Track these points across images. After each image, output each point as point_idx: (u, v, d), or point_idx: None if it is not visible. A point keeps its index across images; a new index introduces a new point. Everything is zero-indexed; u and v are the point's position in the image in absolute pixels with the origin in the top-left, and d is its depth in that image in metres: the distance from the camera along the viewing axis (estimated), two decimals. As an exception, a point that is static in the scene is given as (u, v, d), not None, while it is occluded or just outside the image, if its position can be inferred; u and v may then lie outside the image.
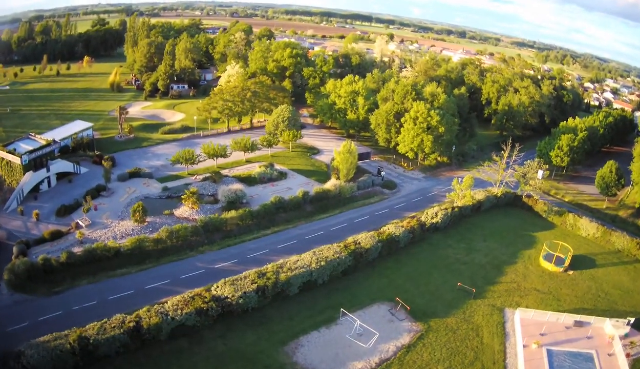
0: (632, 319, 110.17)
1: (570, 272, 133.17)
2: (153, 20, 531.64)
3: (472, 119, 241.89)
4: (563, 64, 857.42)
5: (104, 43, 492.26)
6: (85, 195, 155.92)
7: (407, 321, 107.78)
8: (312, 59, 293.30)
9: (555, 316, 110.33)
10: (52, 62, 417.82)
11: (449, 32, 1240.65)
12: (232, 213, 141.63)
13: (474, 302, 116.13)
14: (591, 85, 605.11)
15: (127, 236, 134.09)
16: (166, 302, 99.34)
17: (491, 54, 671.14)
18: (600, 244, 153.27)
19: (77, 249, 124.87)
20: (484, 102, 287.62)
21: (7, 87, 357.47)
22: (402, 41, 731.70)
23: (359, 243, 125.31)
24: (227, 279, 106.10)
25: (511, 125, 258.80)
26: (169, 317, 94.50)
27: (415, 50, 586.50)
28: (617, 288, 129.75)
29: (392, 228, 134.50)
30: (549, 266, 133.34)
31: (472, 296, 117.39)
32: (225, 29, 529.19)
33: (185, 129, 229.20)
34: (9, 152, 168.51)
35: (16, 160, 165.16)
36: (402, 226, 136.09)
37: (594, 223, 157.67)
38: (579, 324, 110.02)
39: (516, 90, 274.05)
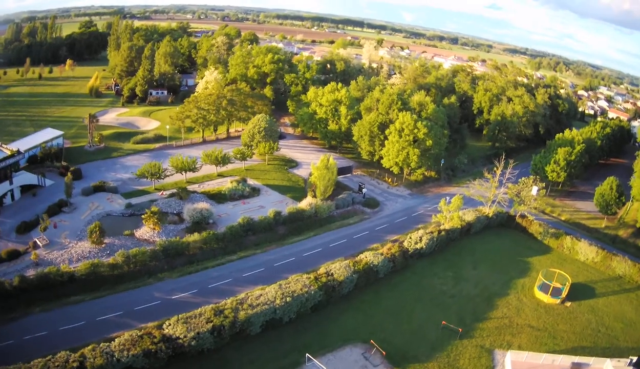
0: (635, 359, 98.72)
1: (568, 304, 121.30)
2: (138, 23, 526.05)
3: (462, 130, 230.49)
4: (556, 71, 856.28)
5: (89, 46, 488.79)
6: (44, 212, 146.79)
7: (383, 367, 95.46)
8: (296, 65, 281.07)
9: (550, 358, 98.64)
10: (36, 65, 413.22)
11: (441, 38, 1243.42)
12: (195, 236, 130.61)
13: (460, 343, 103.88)
14: (585, 93, 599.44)
15: (84, 258, 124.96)
16: (114, 340, 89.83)
17: (483, 61, 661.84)
18: (600, 269, 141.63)
19: (31, 272, 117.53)
20: (475, 112, 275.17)
21: None
22: (392, 47, 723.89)
23: (332, 274, 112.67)
24: (180, 316, 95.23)
25: (504, 136, 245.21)
26: (114, 358, 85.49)
27: (406, 56, 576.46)
28: (618, 320, 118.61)
29: (370, 256, 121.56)
30: (545, 298, 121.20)
31: (459, 336, 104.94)
32: (212, 33, 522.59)
33: (158, 138, 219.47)
34: None
35: None
36: (382, 254, 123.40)
37: (594, 246, 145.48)
38: (577, 366, 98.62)
39: (509, 100, 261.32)
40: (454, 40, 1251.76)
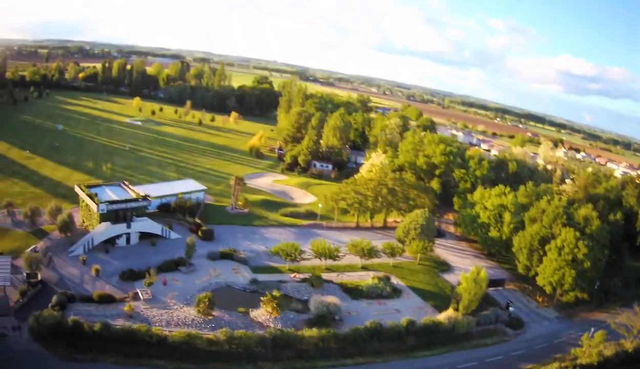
0: None
1: None
2: (314, 89, 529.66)
3: (623, 251, 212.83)
4: None
5: (260, 103, 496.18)
6: (157, 266, 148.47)
7: None
8: (467, 159, 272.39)
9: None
10: (197, 109, 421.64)
11: (615, 143, 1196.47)
12: (313, 332, 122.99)
13: None
14: None
15: (184, 325, 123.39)
16: None
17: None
18: None
19: (120, 322, 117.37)
20: (638, 230, 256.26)
21: (140, 123, 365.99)
22: (569, 148, 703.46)
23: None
24: None
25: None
26: None
27: (581, 160, 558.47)
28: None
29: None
30: None
31: None
32: (393, 110, 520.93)
33: (309, 215, 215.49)
34: (89, 195, 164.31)
35: (93, 206, 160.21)
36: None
37: None
38: None
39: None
40: (627, 145, 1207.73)
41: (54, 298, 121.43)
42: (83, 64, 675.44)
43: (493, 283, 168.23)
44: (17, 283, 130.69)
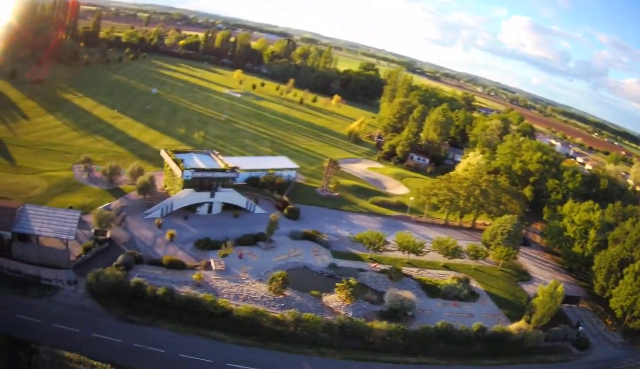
0: None
1: None
2: (420, 82, 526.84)
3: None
4: None
5: (364, 89, 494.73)
6: (236, 239, 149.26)
7: None
8: (562, 170, 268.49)
9: None
10: (299, 88, 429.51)
11: None
12: (382, 325, 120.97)
13: None
14: None
15: (252, 301, 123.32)
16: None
17: None
18: None
19: (186, 290, 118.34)
20: None
21: (239, 96, 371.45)
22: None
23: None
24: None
25: None
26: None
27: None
28: None
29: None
30: None
31: None
32: (495, 112, 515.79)
33: (399, 206, 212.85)
34: (175, 161, 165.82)
35: (178, 172, 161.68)
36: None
37: None
38: None
39: None
40: None
41: (120, 257, 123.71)
42: (185, 32, 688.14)
43: (568, 299, 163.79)
44: (82, 238, 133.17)
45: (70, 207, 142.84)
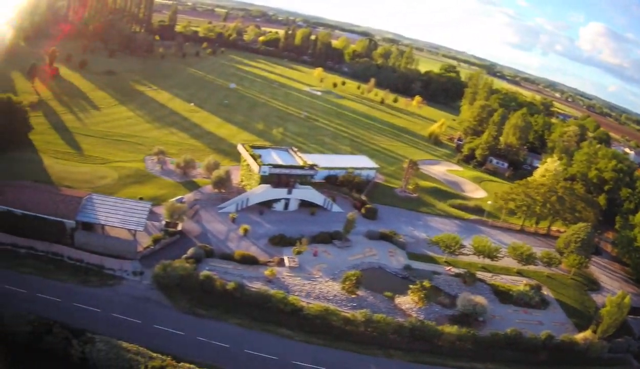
0: None
1: None
2: (500, 85, 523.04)
3: None
4: None
5: (445, 90, 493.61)
6: (311, 236, 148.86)
7: None
8: (635, 179, 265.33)
9: None
10: (380, 88, 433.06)
11: None
12: (453, 329, 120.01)
13: None
14: None
15: (323, 300, 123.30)
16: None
17: None
18: None
19: (257, 285, 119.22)
20: None
21: (319, 94, 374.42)
22: None
23: None
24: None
25: None
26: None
27: None
28: None
29: None
30: None
31: None
32: (573, 118, 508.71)
33: (476, 210, 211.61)
34: (253, 156, 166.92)
35: (255, 167, 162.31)
36: None
37: None
38: None
39: None
40: None
41: (191, 250, 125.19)
42: (264, 28, 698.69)
43: (634, 310, 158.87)
44: (152, 230, 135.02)
45: (141, 199, 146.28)
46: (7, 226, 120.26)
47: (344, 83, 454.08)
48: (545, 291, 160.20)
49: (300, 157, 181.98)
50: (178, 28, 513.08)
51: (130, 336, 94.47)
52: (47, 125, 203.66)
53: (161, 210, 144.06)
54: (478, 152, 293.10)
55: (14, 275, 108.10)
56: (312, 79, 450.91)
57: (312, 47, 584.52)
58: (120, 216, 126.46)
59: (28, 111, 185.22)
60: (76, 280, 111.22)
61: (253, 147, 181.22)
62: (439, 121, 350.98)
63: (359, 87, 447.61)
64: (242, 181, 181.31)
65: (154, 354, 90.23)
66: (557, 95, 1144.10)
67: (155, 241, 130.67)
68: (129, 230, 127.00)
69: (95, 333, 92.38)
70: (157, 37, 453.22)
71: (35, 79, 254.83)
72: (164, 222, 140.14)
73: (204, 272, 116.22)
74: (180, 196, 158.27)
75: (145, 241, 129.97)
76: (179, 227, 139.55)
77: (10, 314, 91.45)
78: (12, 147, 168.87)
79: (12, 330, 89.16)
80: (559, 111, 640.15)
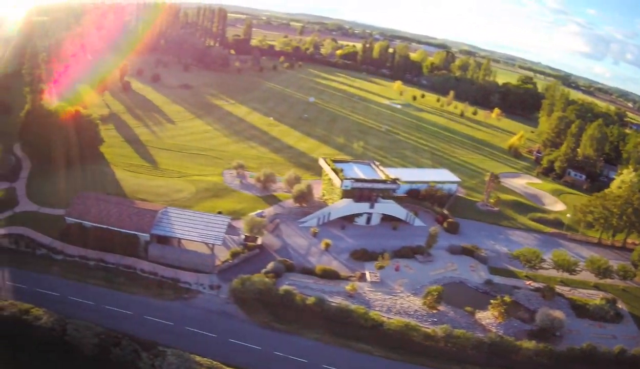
0: None
1: None
2: (576, 96, 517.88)
3: None
4: None
5: (522, 102, 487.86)
6: (393, 251, 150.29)
7: None
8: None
9: None
10: (459, 100, 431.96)
11: None
12: (531, 344, 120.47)
13: None
14: None
15: (405, 315, 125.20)
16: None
17: None
18: None
19: (337, 300, 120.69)
20: None
21: (399, 107, 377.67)
22: None
23: None
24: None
25: None
26: None
27: None
28: None
29: None
30: None
31: None
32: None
33: (556, 223, 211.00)
34: (334, 170, 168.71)
35: (337, 181, 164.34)
36: None
37: None
38: None
39: None
40: None
41: (271, 264, 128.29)
42: (341, 42, 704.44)
43: None
44: (230, 244, 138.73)
45: (220, 213, 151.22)
46: (77, 238, 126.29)
47: (423, 96, 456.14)
48: (620, 305, 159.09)
49: (382, 171, 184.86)
50: (253, 42, 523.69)
51: (204, 350, 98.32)
52: (119, 138, 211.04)
53: (240, 224, 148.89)
54: (557, 164, 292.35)
55: (82, 287, 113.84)
56: (392, 92, 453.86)
57: (390, 60, 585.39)
58: (198, 230, 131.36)
59: (99, 123, 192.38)
60: (149, 293, 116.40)
61: (335, 161, 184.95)
62: (518, 133, 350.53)
63: (438, 100, 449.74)
64: (323, 195, 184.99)
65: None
66: (630, 105, 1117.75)
67: (234, 255, 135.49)
68: (207, 244, 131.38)
69: (167, 346, 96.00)
70: (232, 52, 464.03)
71: (104, 92, 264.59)
72: (243, 237, 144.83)
73: (284, 287, 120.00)
74: (260, 210, 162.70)
75: (223, 255, 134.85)
76: (259, 242, 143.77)
77: (74, 325, 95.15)
78: (83, 160, 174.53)
79: (77, 341, 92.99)
80: (632, 121, 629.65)
